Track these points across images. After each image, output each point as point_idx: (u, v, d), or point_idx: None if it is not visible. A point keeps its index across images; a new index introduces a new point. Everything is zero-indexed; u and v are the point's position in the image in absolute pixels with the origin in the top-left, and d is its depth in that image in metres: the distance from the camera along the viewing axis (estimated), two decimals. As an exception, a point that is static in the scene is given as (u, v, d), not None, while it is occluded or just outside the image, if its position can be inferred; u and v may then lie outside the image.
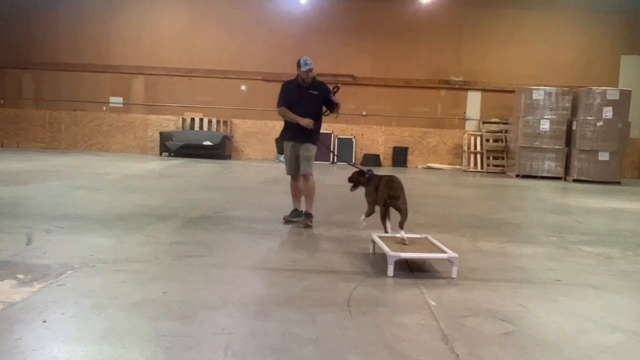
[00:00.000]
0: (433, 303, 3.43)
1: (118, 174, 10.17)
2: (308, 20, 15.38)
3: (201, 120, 15.58)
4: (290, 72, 17.51)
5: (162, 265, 4.10)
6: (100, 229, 5.23)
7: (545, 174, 13.44)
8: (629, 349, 2.89)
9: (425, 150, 15.73)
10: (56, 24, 15.66)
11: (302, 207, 6.02)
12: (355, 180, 5.45)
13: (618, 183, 12.95)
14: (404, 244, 4.41)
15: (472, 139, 15.34)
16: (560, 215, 7.61)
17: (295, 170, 5.97)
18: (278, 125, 15.62)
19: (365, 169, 5.47)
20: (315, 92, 5.78)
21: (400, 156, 15.48)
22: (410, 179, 12.29)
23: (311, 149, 5.86)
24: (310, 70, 5.68)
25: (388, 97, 15.67)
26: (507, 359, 2.66)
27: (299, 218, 5.95)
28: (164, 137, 14.94)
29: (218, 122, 15.60)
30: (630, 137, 13.68)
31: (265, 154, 15.80)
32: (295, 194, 6.10)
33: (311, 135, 5.84)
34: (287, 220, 6.00)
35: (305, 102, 5.77)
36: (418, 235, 4.76)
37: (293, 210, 6.09)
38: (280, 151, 6.10)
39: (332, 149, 5.69)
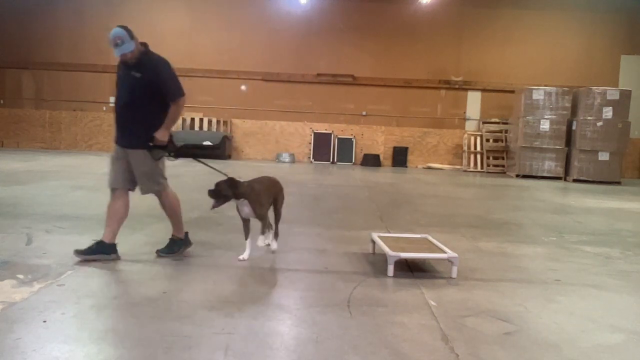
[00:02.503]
0: (433, 303, 3.43)
1: (118, 174, 10.14)
2: (308, 20, 15.36)
3: (201, 120, 15.56)
4: (290, 72, 17.42)
5: (162, 265, 4.10)
6: (100, 229, 5.17)
7: (545, 174, 13.43)
8: (629, 349, 2.89)
9: (425, 150, 15.72)
10: (56, 24, 15.64)
11: (111, 238, 4.17)
12: (228, 192, 4.18)
13: (618, 183, 12.94)
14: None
15: (472, 139, 15.33)
16: (560, 215, 7.60)
17: (120, 181, 4.29)
18: (278, 126, 15.87)
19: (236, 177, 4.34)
20: (138, 75, 4.20)
21: (400, 156, 15.48)
22: (410, 179, 12.29)
23: (146, 160, 4.23)
24: (122, 55, 4.17)
25: (388, 97, 15.66)
26: (507, 359, 2.66)
27: (105, 256, 4.06)
28: (164, 137, 14.91)
29: (218, 122, 15.57)
30: (630, 137, 13.67)
31: (265, 154, 15.78)
32: (110, 215, 4.23)
33: (135, 136, 4.27)
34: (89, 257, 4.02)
35: (123, 86, 4.37)
36: (418, 235, 4.76)
37: (97, 242, 4.15)
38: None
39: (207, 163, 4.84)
